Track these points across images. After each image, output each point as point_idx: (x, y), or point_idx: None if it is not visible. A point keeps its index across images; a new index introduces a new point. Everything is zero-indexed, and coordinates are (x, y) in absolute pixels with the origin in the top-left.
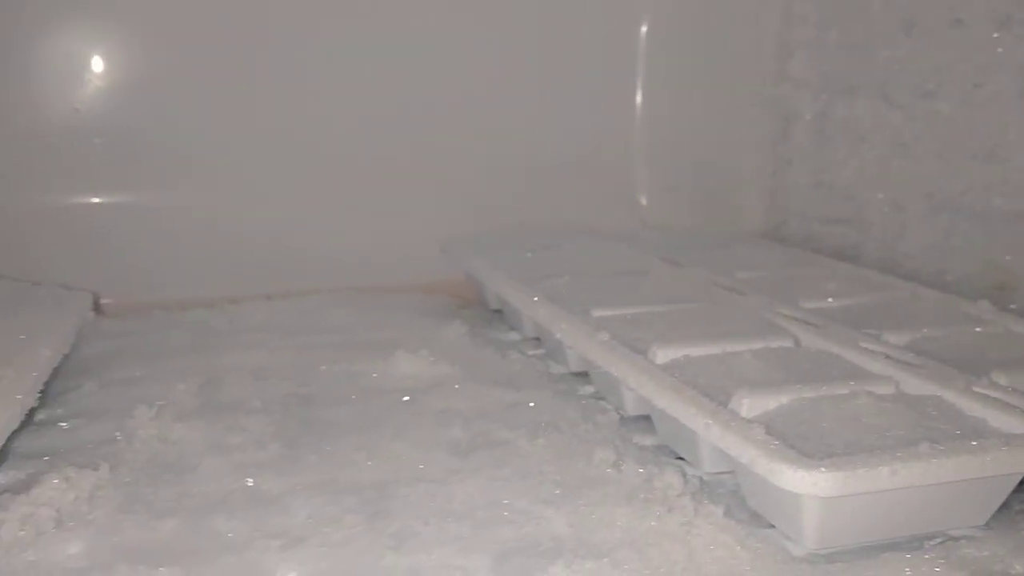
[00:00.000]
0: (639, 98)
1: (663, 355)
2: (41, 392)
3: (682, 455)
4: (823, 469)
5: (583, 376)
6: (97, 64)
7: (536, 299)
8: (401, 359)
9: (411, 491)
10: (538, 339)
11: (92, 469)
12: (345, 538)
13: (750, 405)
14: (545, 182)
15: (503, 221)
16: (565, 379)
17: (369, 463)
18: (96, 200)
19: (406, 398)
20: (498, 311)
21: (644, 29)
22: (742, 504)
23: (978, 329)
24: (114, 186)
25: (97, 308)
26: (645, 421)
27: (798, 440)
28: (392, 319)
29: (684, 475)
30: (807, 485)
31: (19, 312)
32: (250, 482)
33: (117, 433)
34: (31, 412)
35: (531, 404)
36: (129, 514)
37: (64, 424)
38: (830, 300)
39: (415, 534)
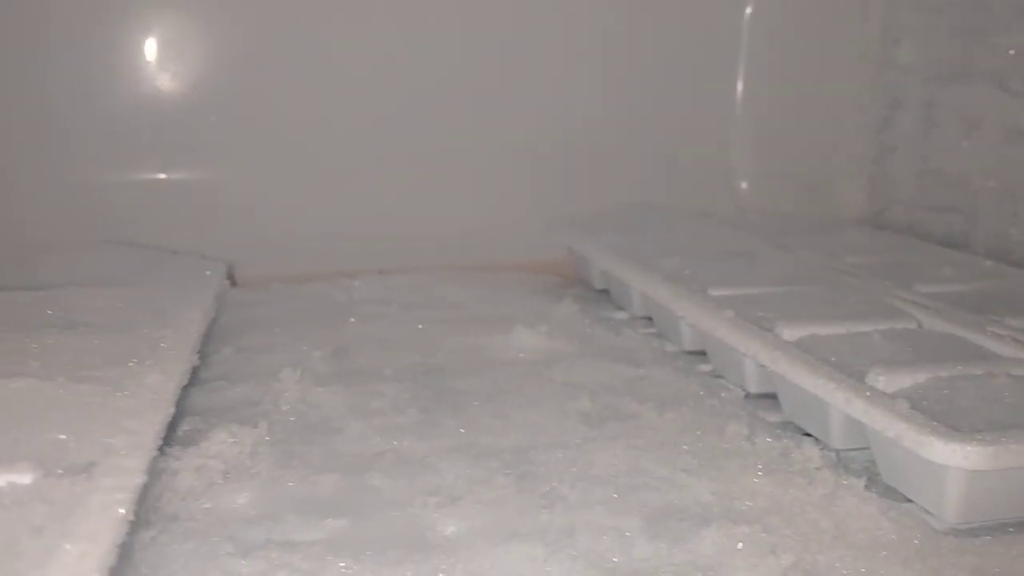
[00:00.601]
0: (740, 82)
1: (789, 333)
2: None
3: (809, 431)
4: (975, 442)
5: (698, 355)
6: (213, 43)
7: (657, 278)
8: (520, 333)
9: (551, 457)
10: (648, 318)
11: (252, 426)
12: (498, 497)
13: (887, 382)
14: (644, 164)
15: (603, 202)
16: (680, 357)
17: (506, 430)
18: (210, 176)
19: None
20: (603, 291)
21: (748, 11)
22: (877, 479)
23: None
24: (226, 163)
25: (231, 278)
26: (767, 399)
27: (940, 416)
28: (502, 296)
29: (821, 449)
30: (958, 457)
31: (163, 277)
32: (395, 443)
33: (264, 395)
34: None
35: (653, 379)
36: (288, 469)
37: (214, 384)
38: (946, 285)
39: (563, 496)
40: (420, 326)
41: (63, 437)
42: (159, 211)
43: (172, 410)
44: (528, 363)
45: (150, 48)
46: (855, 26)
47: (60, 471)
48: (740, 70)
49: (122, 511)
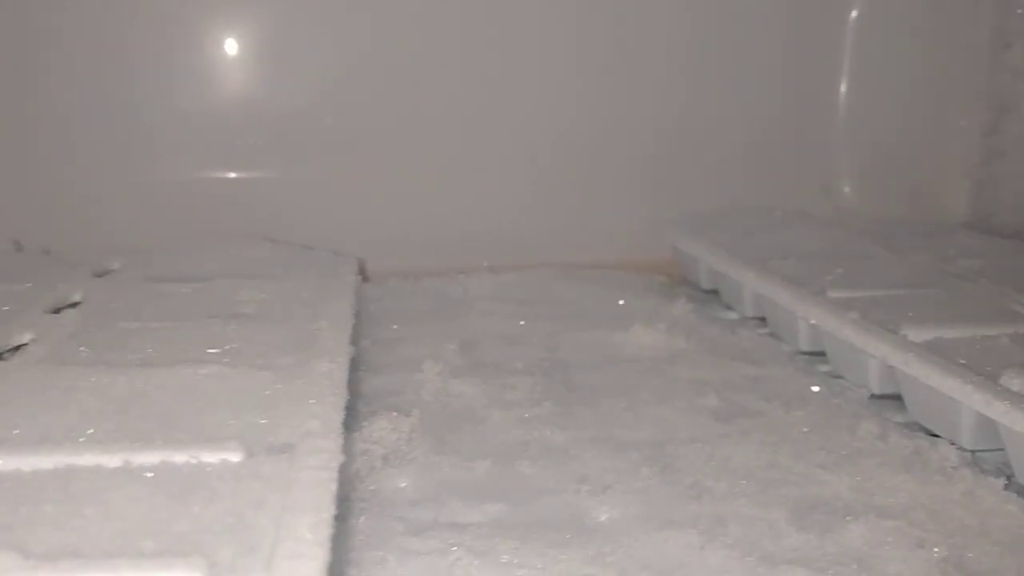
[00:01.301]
0: (844, 84)
1: (915, 335)
2: None
3: (938, 432)
4: None
5: (815, 355)
6: (329, 44)
7: (775, 279)
8: (639, 331)
9: (689, 450)
10: (760, 318)
11: (406, 414)
12: (645, 487)
13: (1022, 384)
14: (745, 166)
15: (704, 203)
16: (798, 357)
17: (639, 424)
18: (323, 175)
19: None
20: (711, 291)
21: (854, 14)
22: (1014, 480)
23: None
24: (339, 161)
25: (363, 273)
26: (891, 400)
27: None
28: (613, 294)
29: (956, 449)
30: None
31: (302, 271)
32: (537, 433)
33: (406, 385)
34: None
35: (774, 377)
36: (442, 455)
37: (358, 374)
38: None
39: (708, 488)
40: (538, 322)
41: (261, 420)
42: (272, 208)
43: (347, 396)
44: (650, 360)
45: (262, 49)
46: (964, 29)
47: (263, 451)
48: (844, 72)
49: (333, 487)
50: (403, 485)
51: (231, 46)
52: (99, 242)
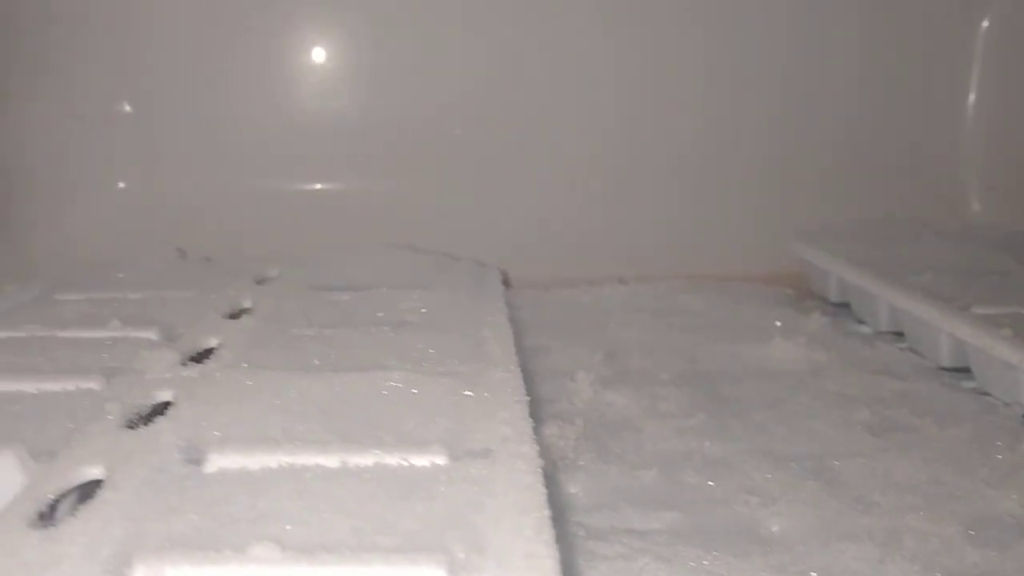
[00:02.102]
0: (972, 95)
1: None
2: None
3: None
4: None
5: (958, 371)
6: (460, 56)
7: (916, 294)
8: (779, 344)
9: (849, 464)
10: (896, 333)
11: (570, 422)
12: (813, 499)
13: None
14: (872, 178)
15: (829, 215)
16: (940, 372)
17: (794, 437)
18: (452, 186)
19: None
20: (841, 304)
21: (985, 24)
22: None
23: None
24: (467, 172)
25: (507, 282)
26: None
27: None
28: (745, 307)
29: None
30: None
31: (451, 281)
32: (695, 444)
33: (560, 393)
34: None
35: (921, 393)
36: (608, 463)
37: None
38: None
39: (876, 502)
40: (675, 334)
41: (456, 426)
42: (401, 217)
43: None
44: (792, 373)
45: (393, 62)
46: None
47: (464, 455)
48: (973, 83)
49: (543, 490)
50: (575, 491)
51: (368, 60)
52: (244, 250)
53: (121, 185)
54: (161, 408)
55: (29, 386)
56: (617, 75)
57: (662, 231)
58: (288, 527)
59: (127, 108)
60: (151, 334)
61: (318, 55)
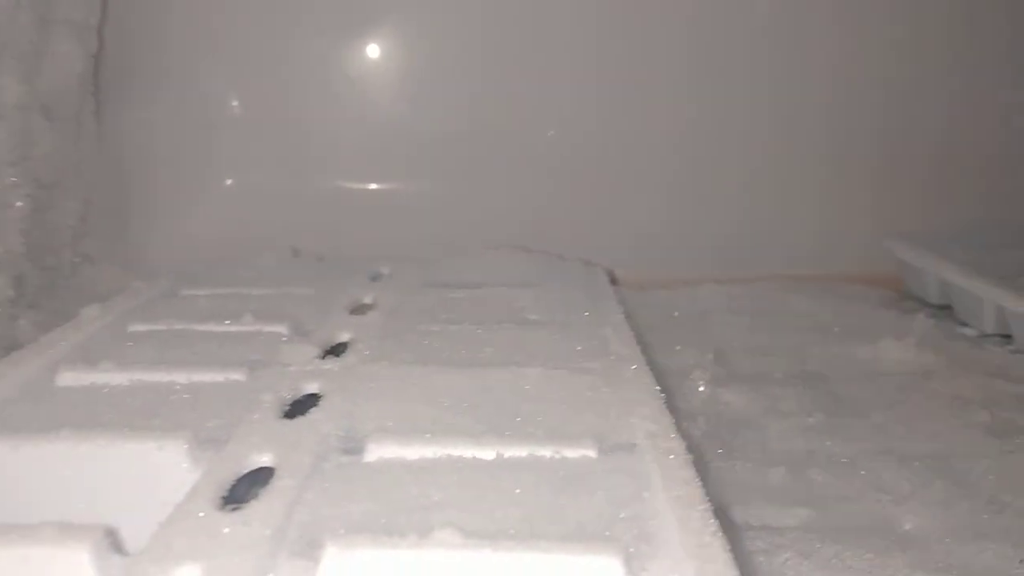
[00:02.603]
0: None
1: None
2: None
3: None
4: None
5: None
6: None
7: None
8: (889, 346)
9: (975, 465)
10: (1003, 336)
11: (692, 420)
12: (943, 499)
13: None
14: (970, 182)
15: (929, 218)
16: None
17: (914, 437)
18: (546, 186)
19: None
20: (942, 306)
21: None
22: None
23: None
24: (566, 175)
25: (614, 281)
26: None
27: None
28: (848, 307)
29: None
30: None
31: (563, 279)
32: (818, 443)
33: (676, 391)
34: None
35: None
36: (735, 460)
37: None
38: None
39: (1008, 503)
40: (780, 334)
41: (599, 419)
42: (495, 217)
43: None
44: (905, 374)
45: (473, 68)
46: None
47: (612, 448)
48: None
49: (700, 483)
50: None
51: (464, 66)
52: (341, 247)
53: (228, 182)
54: (309, 399)
55: (181, 377)
56: (712, 75)
57: (756, 231)
58: (461, 514)
59: (235, 108)
60: (282, 328)
61: (415, 64)
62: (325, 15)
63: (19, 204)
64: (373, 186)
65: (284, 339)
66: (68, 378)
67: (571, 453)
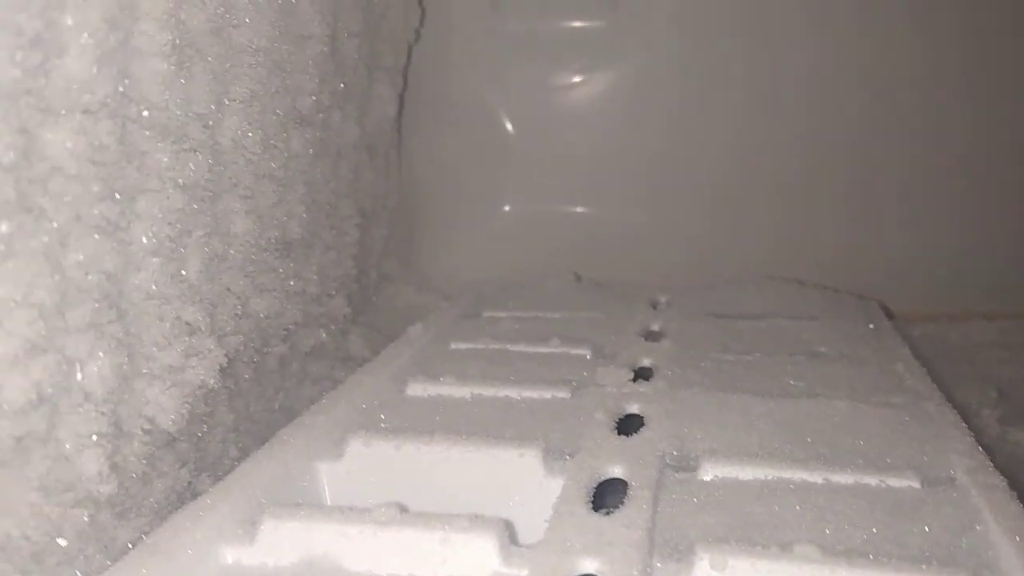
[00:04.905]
0: None
1: None
2: None
3: None
4: None
5: None
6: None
7: None
8: None
9: None
10: None
11: None
12: None
13: None
14: None
15: None
16: None
17: None
18: (806, 218)
19: None
20: None
21: None
22: None
23: None
24: (824, 206)
25: (889, 315)
26: None
27: None
28: None
29: None
30: None
31: (839, 313)
32: None
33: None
34: None
35: None
36: None
37: None
38: None
39: None
40: None
41: (916, 453)
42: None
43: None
44: None
45: (717, 104)
46: None
47: (933, 481)
48: None
49: None
50: None
51: (713, 102)
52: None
53: (507, 208)
54: (630, 419)
55: (513, 392)
56: (991, 94)
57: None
58: (810, 532)
59: (510, 132)
60: (586, 351)
61: (681, 96)
62: (588, 45)
63: (352, 232)
64: (638, 214)
65: (589, 359)
66: (416, 389)
67: (895, 483)
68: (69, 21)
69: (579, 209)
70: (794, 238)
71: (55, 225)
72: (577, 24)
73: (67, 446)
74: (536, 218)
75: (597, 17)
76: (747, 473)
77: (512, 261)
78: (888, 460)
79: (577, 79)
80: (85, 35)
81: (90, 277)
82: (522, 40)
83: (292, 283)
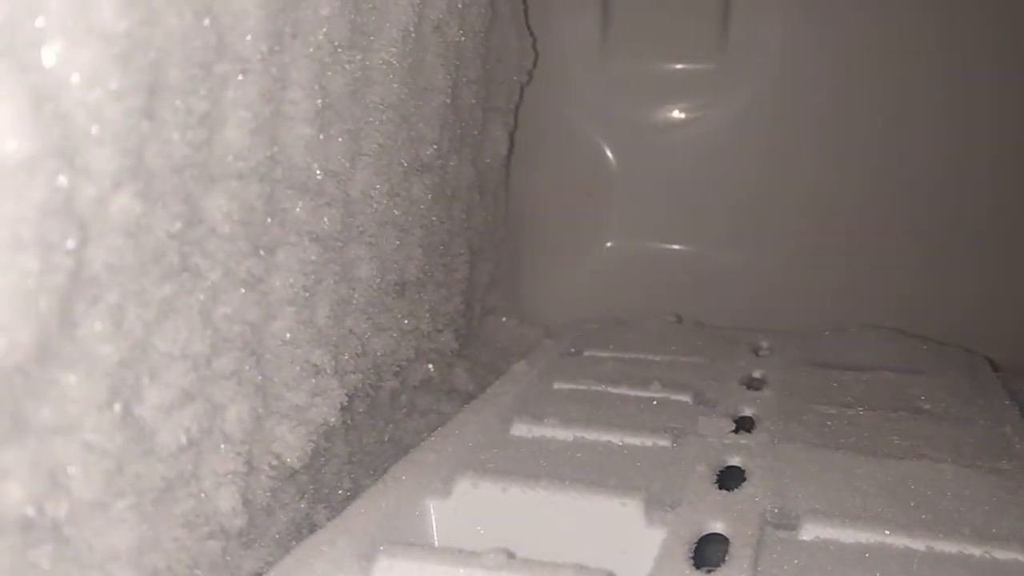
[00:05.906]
0: None
1: None
2: None
3: None
4: None
5: None
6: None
7: None
8: None
9: None
10: None
11: None
12: None
13: None
14: None
15: None
16: None
17: None
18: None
19: None
20: None
21: None
22: None
23: None
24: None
25: (996, 369)
26: None
27: None
28: None
29: None
30: None
31: (945, 368)
32: None
33: None
34: None
35: None
36: None
37: None
38: None
39: None
40: None
41: (1013, 522)
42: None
43: None
44: None
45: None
46: None
47: None
48: None
49: None
50: None
51: (817, 137)
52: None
53: (608, 244)
54: (730, 471)
55: (615, 438)
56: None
57: None
58: None
59: (614, 168)
60: (687, 397)
61: (782, 133)
62: (695, 85)
63: (462, 269)
64: (738, 254)
65: (690, 406)
66: (521, 429)
67: (1000, 555)
68: (230, 96)
69: (680, 247)
70: (911, 285)
71: (208, 283)
72: (685, 66)
73: (206, 484)
74: (637, 255)
75: (706, 60)
76: (848, 536)
77: (611, 296)
78: (993, 530)
79: (682, 116)
80: (242, 110)
81: (235, 328)
82: (630, 80)
83: (406, 321)
